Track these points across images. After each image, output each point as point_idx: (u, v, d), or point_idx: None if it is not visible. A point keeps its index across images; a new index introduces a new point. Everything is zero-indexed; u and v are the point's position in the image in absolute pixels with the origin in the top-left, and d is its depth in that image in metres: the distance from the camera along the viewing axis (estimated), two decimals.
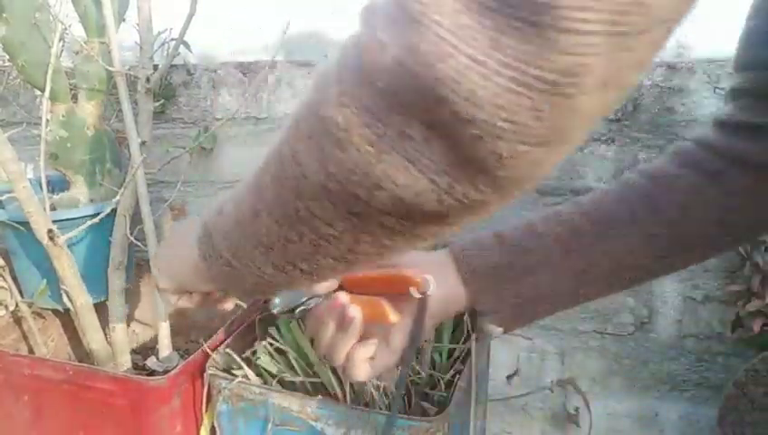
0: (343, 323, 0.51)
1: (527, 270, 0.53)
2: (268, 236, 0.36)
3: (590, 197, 0.55)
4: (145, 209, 0.89)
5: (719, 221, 0.52)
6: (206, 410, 0.87)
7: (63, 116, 0.91)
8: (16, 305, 1.00)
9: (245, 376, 0.79)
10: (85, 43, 0.90)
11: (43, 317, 1.07)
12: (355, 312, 0.51)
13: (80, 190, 0.95)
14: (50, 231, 0.82)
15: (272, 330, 0.82)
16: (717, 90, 0.89)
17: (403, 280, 0.52)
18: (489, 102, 0.23)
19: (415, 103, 0.25)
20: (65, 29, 0.88)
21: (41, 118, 0.88)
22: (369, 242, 0.32)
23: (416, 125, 0.25)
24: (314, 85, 0.30)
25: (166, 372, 0.81)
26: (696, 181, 0.51)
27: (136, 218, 0.93)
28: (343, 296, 0.53)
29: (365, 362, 0.53)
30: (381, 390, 0.73)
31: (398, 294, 0.52)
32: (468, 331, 0.80)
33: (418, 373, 0.74)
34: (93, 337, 0.93)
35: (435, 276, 0.51)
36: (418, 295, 0.51)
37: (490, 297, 0.54)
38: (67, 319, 1.10)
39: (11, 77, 1.21)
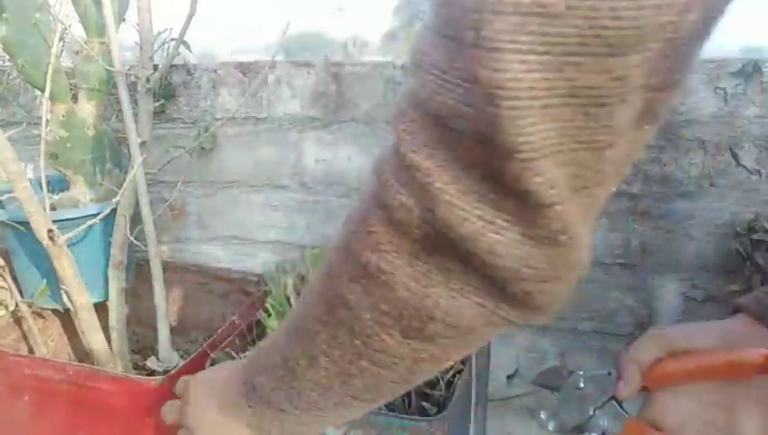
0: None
1: None
2: (327, 377, 0.36)
3: None
4: (145, 209, 0.89)
5: None
6: None
7: (63, 116, 0.91)
8: (16, 305, 1.00)
9: None
10: (85, 43, 0.90)
11: (43, 317, 1.07)
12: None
13: (80, 190, 0.95)
14: (50, 231, 0.82)
15: (270, 330, 0.82)
16: (717, 90, 0.89)
17: (744, 365, 0.46)
18: (508, 254, 0.26)
19: (449, 253, 0.28)
20: (65, 29, 0.88)
21: (41, 118, 0.88)
22: (428, 361, 0.33)
23: (455, 263, 0.28)
24: (347, 232, 0.32)
25: (166, 371, 0.81)
26: None
27: (136, 218, 0.93)
28: None
29: None
30: None
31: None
32: None
33: None
34: (93, 337, 0.93)
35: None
36: None
37: None
38: (67, 319, 1.10)
39: (11, 77, 1.21)
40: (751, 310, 0.49)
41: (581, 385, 0.54)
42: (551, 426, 0.54)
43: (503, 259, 0.27)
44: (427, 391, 0.75)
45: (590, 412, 0.53)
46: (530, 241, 0.26)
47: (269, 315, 0.85)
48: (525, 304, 0.29)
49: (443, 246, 0.28)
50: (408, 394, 0.75)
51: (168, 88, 1.13)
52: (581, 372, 0.53)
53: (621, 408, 0.53)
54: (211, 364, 0.81)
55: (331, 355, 0.35)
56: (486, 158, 0.25)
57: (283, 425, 0.42)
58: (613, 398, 0.53)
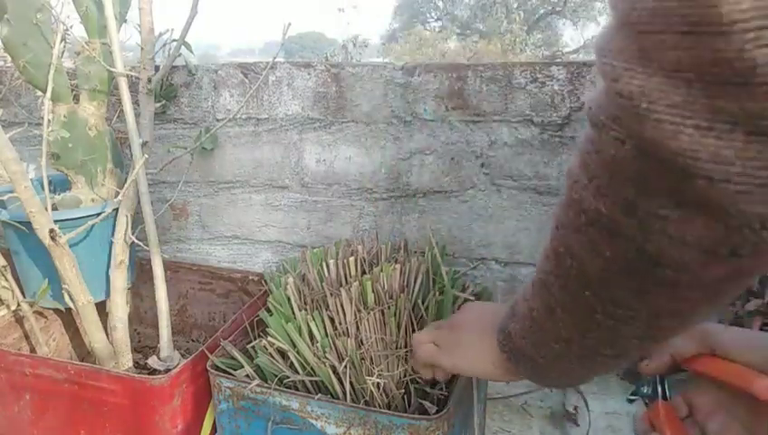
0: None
1: None
2: (566, 329, 0.37)
3: None
4: (146, 209, 0.89)
5: None
6: (207, 409, 0.87)
7: (65, 116, 0.91)
8: (18, 305, 1.00)
9: (246, 375, 0.80)
10: (87, 43, 0.90)
11: (45, 316, 1.07)
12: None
13: (81, 190, 0.95)
14: (51, 231, 0.82)
15: (271, 330, 0.82)
16: None
17: (755, 393, 0.47)
18: (738, 157, 0.24)
19: (663, 183, 0.27)
20: (67, 30, 0.88)
21: (42, 118, 0.88)
22: (668, 316, 0.33)
23: (670, 205, 0.27)
24: (568, 187, 0.32)
25: (167, 371, 0.81)
26: None
27: (137, 218, 0.93)
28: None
29: None
30: (381, 389, 0.73)
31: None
32: None
33: (418, 372, 0.75)
34: (95, 336, 0.94)
35: None
36: None
37: None
38: (68, 318, 1.10)
39: (13, 78, 1.22)
40: None
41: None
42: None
43: (731, 165, 0.24)
44: (427, 389, 0.75)
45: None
46: (759, 139, 0.23)
47: (270, 314, 0.85)
48: (760, 226, 0.25)
49: (658, 184, 0.27)
50: (409, 393, 0.75)
51: (170, 89, 1.13)
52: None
53: (662, 386, 0.57)
54: (211, 364, 0.82)
55: (566, 307, 0.36)
56: (695, 50, 0.23)
57: (534, 371, 0.44)
58: (660, 376, 0.57)
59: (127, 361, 0.95)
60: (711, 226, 0.27)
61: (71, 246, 0.86)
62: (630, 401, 0.59)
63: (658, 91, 0.25)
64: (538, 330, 0.41)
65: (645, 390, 0.58)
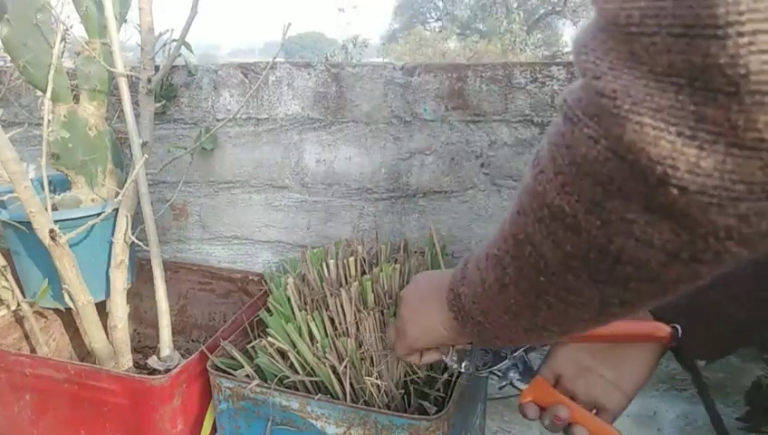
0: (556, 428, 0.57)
1: (712, 308, 0.54)
2: (516, 305, 0.38)
3: None
4: (146, 209, 0.89)
5: None
6: (207, 409, 0.87)
7: (65, 116, 0.91)
8: (18, 305, 1.00)
9: (246, 375, 0.80)
10: (87, 43, 0.90)
11: (45, 316, 1.07)
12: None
13: (81, 190, 0.95)
14: (51, 231, 0.82)
15: (271, 330, 0.82)
16: None
17: (650, 336, 0.54)
18: (717, 169, 0.24)
19: (633, 188, 0.27)
20: (67, 30, 0.88)
21: (42, 118, 0.88)
22: (619, 305, 0.33)
23: (638, 210, 0.27)
24: (533, 175, 0.33)
25: (167, 371, 0.81)
26: None
27: (137, 218, 0.93)
28: (564, 412, 0.56)
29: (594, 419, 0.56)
30: (381, 389, 0.73)
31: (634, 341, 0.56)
32: None
33: (417, 373, 0.75)
34: (95, 336, 0.94)
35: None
36: (668, 348, 0.54)
37: (695, 339, 0.55)
38: (69, 318, 1.10)
39: (13, 78, 1.22)
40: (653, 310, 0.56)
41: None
42: (462, 368, 0.62)
43: (709, 178, 0.24)
44: (427, 390, 0.75)
45: (505, 356, 0.61)
46: (746, 151, 0.23)
47: (270, 314, 0.85)
48: (725, 236, 0.26)
49: (627, 188, 0.27)
50: (408, 394, 0.75)
51: (170, 89, 1.13)
52: None
53: (527, 361, 0.62)
54: (211, 364, 0.82)
55: (519, 286, 0.37)
56: (686, 54, 0.23)
57: (480, 335, 0.46)
58: (525, 350, 0.61)
59: (127, 361, 0.95)
60: (677, 232, 0.27)
61: (71, 246, 0.86)
62: (501, 389, 0.63)
63: (645, 93, 0.24)
64: (488, 300, 0.41)
65: (512, 374, 0.62)
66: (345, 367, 0.74)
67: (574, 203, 0.29)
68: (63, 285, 0.90)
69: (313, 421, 0.74)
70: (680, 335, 0.53)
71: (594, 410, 0.58)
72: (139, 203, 0.91)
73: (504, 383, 0.62)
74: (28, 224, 0.83)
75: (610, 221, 0.28)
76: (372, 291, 0.78)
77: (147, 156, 0.89)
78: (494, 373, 0.63)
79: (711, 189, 0.24)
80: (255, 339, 0.87)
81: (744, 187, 0.24)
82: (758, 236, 0.25)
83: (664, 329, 0.54)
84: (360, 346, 0.75)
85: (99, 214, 0.89)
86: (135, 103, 0.91)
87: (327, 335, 0.78)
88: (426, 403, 0.72)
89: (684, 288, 0.31)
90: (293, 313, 0.82)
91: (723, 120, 0.23)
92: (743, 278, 0.52)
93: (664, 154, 0.24)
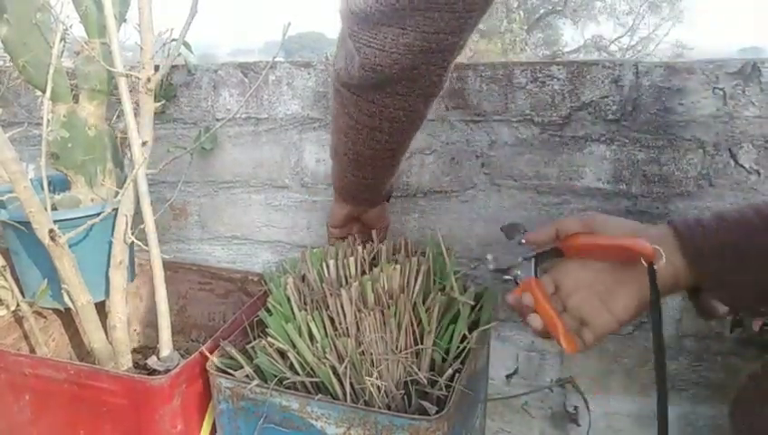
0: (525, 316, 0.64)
1: (749, 252, 0.53)
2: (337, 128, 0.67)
3: None
4: (146, 209, 0.89)
5: None
6: (207, 410, 0.87)
7: (64, 116, 0.91)
8: (17, 305, 1.00)
9: (246, 376, 0.80)
10: (86, 43, 0.90)
11: (44, 317, 1.07)
12: (535, 322, 0.62)
13: (81, 190, 0.95)
14: (51, 231, 0.82)
15: (271, 330, 0.82)
16: (716, 90, 0.90)
17: (632, 249, 0.56)
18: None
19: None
20: (66, 29, 0.88)
21: (42, 118, 0.88)
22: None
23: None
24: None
25: (167, 371, 0.81)
26: None
27: (137, 218, 0.93)
28: (529, 299, 0.63)
29: (567, 334, 0.61)
30: (381, 389, 0.73)
31: (622, 262, 0.59)
32: (467, 331, 0.81)
33: (417, 373, 0.75)
34: (94, 336, 0.94)
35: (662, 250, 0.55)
36: (646, 265, 0.55)
37: (716, 278, 0.55)
38: (68, 318, 1.10)
39: (12, 77, 1.22)
40: (674, 223, 0.58)
41: (523, 241, 0.67)
42: (491, 265, 0.69)
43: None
44: (427, 390, 0.75)
45: (519, 260, 0.67)
46: None
47: (270, 314, 0.85)
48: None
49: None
50: (409, 394, 0.75)
51: (169, 88, 1.13)
52: (526, 231, 0.68)
53: (535, 267, 0.67)
54: (211, 364, 0.82)
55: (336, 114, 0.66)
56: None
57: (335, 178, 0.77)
58: (534, 257, 0.67)
59: (126, 361, 0.95)
60: None
61: (70, 246, 0.86)
62: (506, 281, 0.69)
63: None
64: (333, 135, 0.74)
65: (518, 272, 0.67)
66: (345, 367, 0.74)
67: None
68: (63, 285, 0.90)
69: (313, 422, 0.74)
70: (663, 259, 0.54)
71: (580, 324, 0.62)
72: (138, 203, 0.90)
73: (509, 278, 0.69)
74: (27, 224, 0.83)
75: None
76: (372, 291, 0.77)
77: (146, 156, 0.89)
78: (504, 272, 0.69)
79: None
80: (255, 339, 0.86)
81: None
82: None
83: (646, 246, 0.55)
84: (360, 346, 0.75)
85: (98, 214, 0.89)
86: (135, 103, 0.91)
87: (327, 335, 0.78)
88: (426, 403, 0.72)
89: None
90: (293, 313, 0.82)
91: None
92: None
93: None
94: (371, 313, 0.75)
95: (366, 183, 0.75)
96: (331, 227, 0.91)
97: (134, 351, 1.01)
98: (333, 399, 0.75)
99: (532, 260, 0.66)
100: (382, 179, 0.76)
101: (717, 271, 0.54)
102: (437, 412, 0.70)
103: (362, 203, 0.82)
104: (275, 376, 0.79)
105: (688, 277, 0.56)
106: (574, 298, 0.62)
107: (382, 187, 0.79)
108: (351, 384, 0.74)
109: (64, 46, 0.90)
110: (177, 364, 0.83)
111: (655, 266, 0.55)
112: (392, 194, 0.88)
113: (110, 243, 0.92)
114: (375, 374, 0.73)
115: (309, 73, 1.06)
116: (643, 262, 0.55)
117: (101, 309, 0.96)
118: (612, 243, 0.59)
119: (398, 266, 0.80)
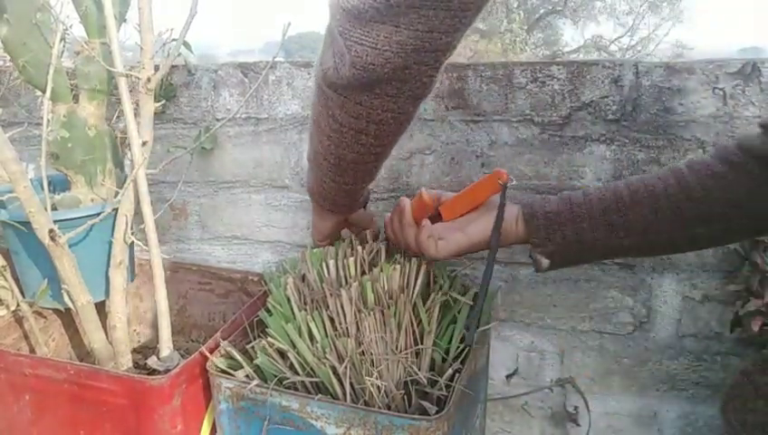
0: (401, 214, 0.77)
1: (574, 219, 0.68)
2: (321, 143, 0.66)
3: (627, 178, 0.71)
4: (146, 209, 0.89)
5: (736, 204, 0.63)
6: (207, 410, 0.87)
7: (64, 116, 0.91)
8: (17, 305, 1.00)
9: (246, 376, 0.80)
10: (86, 43, 0.90)
11: (44, 317, 1.07)
12: (405, 201, 0.77)
13: (81, 190, 0.95)
14: (51, 231, 0.82)
15: (271, 330, 0.82)
16: (716, 90, 0.90)
17: (487, 180, 0.71)
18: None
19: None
20: (66, 29, 0.88)
21: (42, 118, 0.88)
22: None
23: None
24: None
25: (167, 371, 0.81)
26: (721, 169, 0.64)
27: (137, 218, 0.93)
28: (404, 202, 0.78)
29: (430, 239, 0.73)
30: (381, 389, 0.73)
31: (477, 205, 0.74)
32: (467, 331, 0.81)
33: (417, 373, 0.75)
34: (94, 336, 0.94)
35: (509, 210, 0.71)
36: (501, 183, 0.70)
37: (542, 234, 0.70)
38: (68, 318, 1.10)
39: (12, 77, 1.22)
40: (524, 198, 0.73)
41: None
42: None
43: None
44: (427, 390, 0.75)
45: None
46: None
47: (270, 314, 0.85)
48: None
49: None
50: (409, 394, 0.75)
51: (169, 88, 1.13)
52: None
53: None
54: (211, 364, 0.82)
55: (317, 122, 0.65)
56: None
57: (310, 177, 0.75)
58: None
59: (126, 361, 0.95)
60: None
61: (70, 246, 0.86)
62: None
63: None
64: (311, 139, 0.70)
65: None
66: (345, 367, 0.74)
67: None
68: (63, 285, 0.90)
69: (313, 422, 0.74)
70: (513, 181, 0.70)
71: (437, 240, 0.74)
72: (138, 203, 0.90)
73: None
74: (27, 224, 0.83)
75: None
76: (372, 291, 0.77)
77: (146, 156, 0.89)
78: None
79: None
80: (255, 339, 0.86)
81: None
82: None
83: (500, 171, 0.70)
84: (360, 346, 0.75)
85: (98, 214, 0.89)
86: (135, 103, 0.91)
87: (327, 335, 0.78)
88: (426, 403, 0.72)
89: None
90: (293, 313, 0.82)
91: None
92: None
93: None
94: (371, 313, 0.75)
95: (346, 189, 0.72)
96: (318, 241, 0.88)
97: (134, 351, 1.01)
98: (333, 399, 0.75)
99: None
100: (362, 184, 0.74)
101: (542, 229, 0.69)
102: (437, 412, 0.70)
103: (340, 209, 0.80)
104: (275, 376, 0.79)
105: (522, 232, 0.71)
106: (438, 228, 0.75)
107: (361, 192, 0.78)
108: (351, 384, 0.74)
109: (64, 46, 0.90)
110: (177, 364, 0.83)
111: (505, 184, 0.70)
112: (369, 200, 0.88)
113: (110, 243, 0.92)
114: (375, 374, 0.73)
115: (309, 73, 1.06)
116: (498, 182, 0.70)
117: (101, 309, 0.96)
118: (467, 190, 0.74)
119: (398, 266, 0.80)
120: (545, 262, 0.71)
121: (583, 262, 0.74)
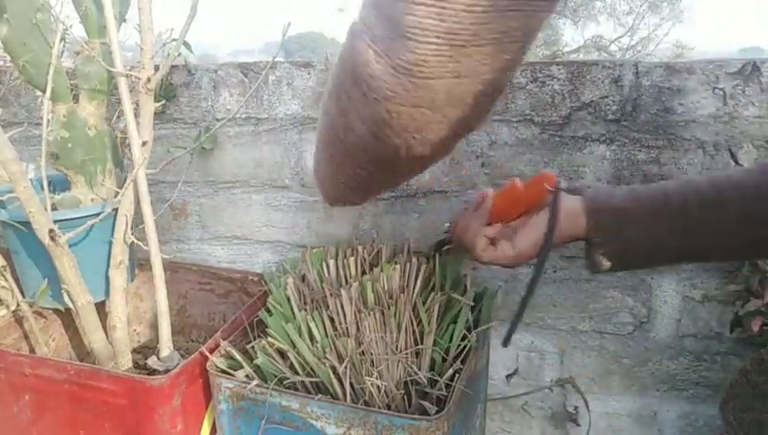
0: (479, 206, 0.71)
1: (640, 218, 0.61)
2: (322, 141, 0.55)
3: (707, 175, 0.64)
4: (146, 209, 0.89)
5: None
6: (207, 410, 0.87)
7: (64, 116, 0.91)
8: (17, 305, 1.00)
9: (246, 376, 0.80)
10: (86, 43, 0.90)
11: (44, 317, 1.07)
12: (489, 192, 0.70)
13: (81, 190, 0.95)
14: (51, 231, 0.82)
15: (271, 330, 0.82)
16: (716, 90, 0.90)
17: (537, 181, 0.65)
18: (381, 78, 0.38)
19: (346, 81, 0.41)
20: (66, 29, 0.88)
21: (42, 118, 0.88)
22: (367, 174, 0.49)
23: (355, 93, 0.41)
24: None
25: (166, 371, 0.81)
26: None
27: (136, 218, 0.93)
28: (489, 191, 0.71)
29: (485, 239, 0.69)
30: (381, 389, 0.73)
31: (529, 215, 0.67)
32: (468, 330, 0.81)
33: (417, 373, 0.75)
34: (94, 336, 0.94)
35: (565, 204, 0.64)
36: (551, 189, 0.64)
37: (604, 233, 0.62)
38: (68, 318, 1.10)
39: (12, 77, 1.22)
40: (587, 190, 0.65)
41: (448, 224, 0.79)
42: (444, 227, 0.79)
43: (376, 80, 0.38)
44: (427, 390, 0.75)
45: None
46: (393, 70, 0.37)
47: (270, 314, 0.85)
48: (391, 126, 0.41)
49: (345, 79, 0.42)
50: (409, 394, 0.75)
51: (169, 88, 1.13)
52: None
53: None
54: (211, 364, 0.82)
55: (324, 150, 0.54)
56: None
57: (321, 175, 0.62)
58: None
59: (126, 361, 0.95)
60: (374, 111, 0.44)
61: (70, 246, 0.86)
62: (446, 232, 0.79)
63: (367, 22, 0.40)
64: (318, 141, 0.58)
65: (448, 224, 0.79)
66: (345, 367, 0.74)
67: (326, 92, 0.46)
68: (63, 286, 0.90)
69: (313, 422, 0.74)
70: (563, 184, 0.64)
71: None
72: (138, 203, 0.91)
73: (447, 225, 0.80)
74: (28, 224, 0.83)
75: (339, 100, 0.43)
76: (372, 291, 0.77)
77: (146, 156, 0.89)
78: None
79: (377, 89, 0.39)
80: (255, 339, 0.86)
81: (390, 93, 0.38)
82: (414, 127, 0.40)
83: (548, 172, 0.66)
84: (360, 346, 0.75)
85: (98, 214, 0.89)
86: (135, 103, 0.91)
87: (327, 335, 0.78)
88: (426, 403, 0.72)
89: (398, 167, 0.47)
90: (293, 313, 0.82)
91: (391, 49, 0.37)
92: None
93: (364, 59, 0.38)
94: (371, 313, 0.75)
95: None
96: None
97: (134, 351, 1.01)
98: (333, 399, 0.75)
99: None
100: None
101: (605, 227, 0.62)
102: (437, 412, 0.70)
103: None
104: (275, 376, 0.79)
105: (583, 228, 0.63)
106: (489, 230, 0.71)
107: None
108: (351, 384, 0.74)
109: (64, 46, 0.90)
110: (177, 364, 0.83)
111: (557, 189, 0.64)
112: None
113: (110, 243, 0.92)
114: (375, 374, 0.73)
115: (309, 73, 1.06)
116: (547, 186, 0.64)
117: (101, 309, 0.96)
118: (522, 185, 0.68)
119: (398, 266, 0.80)
120: (606, 263, 0.63)
121: (650, 265, 0.65)
